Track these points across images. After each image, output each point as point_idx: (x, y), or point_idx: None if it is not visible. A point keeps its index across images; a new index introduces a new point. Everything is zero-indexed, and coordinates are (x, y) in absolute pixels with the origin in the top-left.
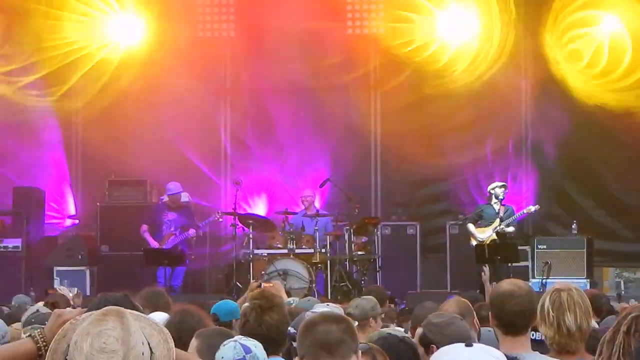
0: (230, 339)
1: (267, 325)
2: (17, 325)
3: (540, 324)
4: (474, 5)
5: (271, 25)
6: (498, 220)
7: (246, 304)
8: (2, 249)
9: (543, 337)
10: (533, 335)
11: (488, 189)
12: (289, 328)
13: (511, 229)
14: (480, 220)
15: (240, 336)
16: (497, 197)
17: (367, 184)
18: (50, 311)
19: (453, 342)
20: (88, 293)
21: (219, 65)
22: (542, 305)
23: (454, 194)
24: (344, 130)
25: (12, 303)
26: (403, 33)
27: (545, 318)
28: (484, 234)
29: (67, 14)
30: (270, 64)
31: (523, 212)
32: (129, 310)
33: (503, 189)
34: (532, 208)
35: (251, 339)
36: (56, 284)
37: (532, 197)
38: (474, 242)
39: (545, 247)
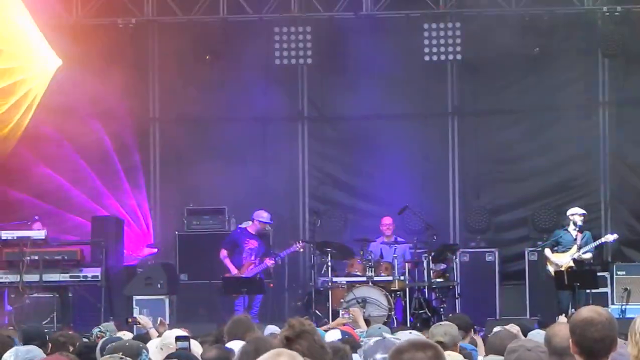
0: None
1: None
2: None
3: (629, 343)
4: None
5: (348, 53)
6: (575, 247)
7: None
8: (81, 279)
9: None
10: None
11: (567, 214)
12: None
13: (589, 255)
14: (558, 246)
15: None
16: (575, 224)
17: (446, 211)
18: (130, 338)
19: None
20: (168, 322)
21: (296, 93)
22: (634, 324)
23: (533, 220)
24: (422, 157)
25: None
26: (479, 58)
27: (632, 337)
28: (562, 260)
29: None
30: (347, 92)
31: (601, 241)
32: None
33: (582, 217)
34: (611, 237)
35: None
36: (136, 313)
37: (610, 223)
38: (550, 268)
39: (624, 273)
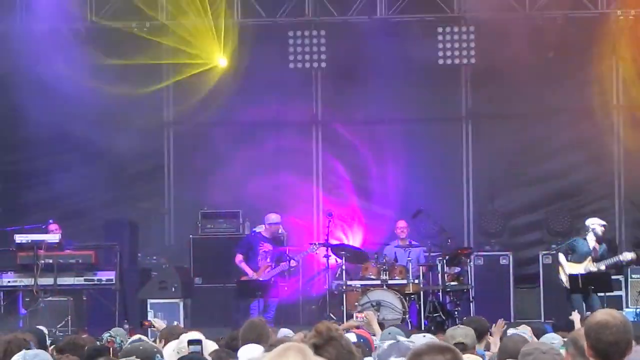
0: None
1: None
2: None
3: None
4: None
5: (362, 56)
6: (590, 258)
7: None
8: (96, 282)
9: None
10: None
11: (587, 223)
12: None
13: (603, 267)
14: (572, 254)
15: None
16: (595, 234)
17: (460, 215)
18: (149, 342)
19: None
20: (182, 325)
21: (310, 96)
22: None
23: (547, 223)
24: (436, 161)
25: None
26: (493, 61)
27: None
28: (574, 271)
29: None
30: (360, 95)
31: (618, 259)
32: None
33: (603, 228)
34: (629, 255)
35: None
36: (150, 316)
37: (624, 226)
38: (562, 277)
39: (639, 276)
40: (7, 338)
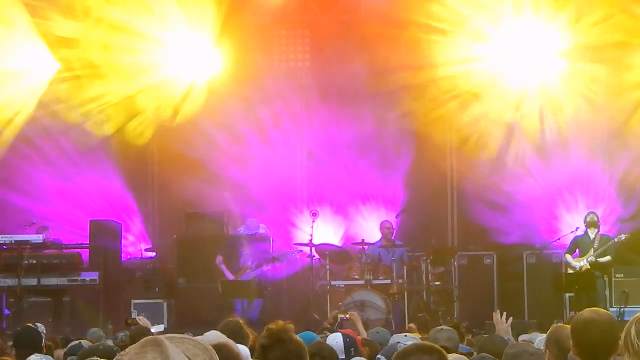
0: None
1: None
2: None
3: (624, 353)
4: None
5: (346, 55)
6: (592, 250)
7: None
8: (79, 282)
9: None
10: None
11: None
12: (379, 356)
13: (606, 258)
14: (577, 250)
15: None
16: (591, 225)
17: (444, 214)
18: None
19: None
20: (166, 325)
21: (295, 95)
22: (628, 334)
23: (531, 222)
24: (420, 160)
25: (87, 338)
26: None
27: (630, 347)
28: (578, 264)
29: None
30: (345, 94)
31: (613, 242)
32: (168, 336)
33: (591, 214)
34: (623, 237)
35: None
36: (134, 316)
37: (614, 223)
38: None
39: (622, 275)
40: None
